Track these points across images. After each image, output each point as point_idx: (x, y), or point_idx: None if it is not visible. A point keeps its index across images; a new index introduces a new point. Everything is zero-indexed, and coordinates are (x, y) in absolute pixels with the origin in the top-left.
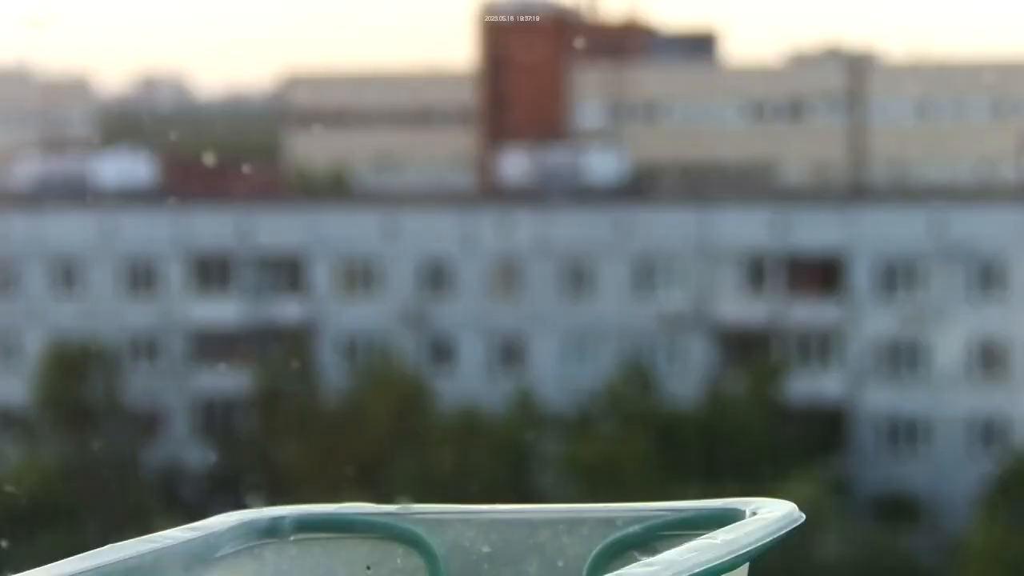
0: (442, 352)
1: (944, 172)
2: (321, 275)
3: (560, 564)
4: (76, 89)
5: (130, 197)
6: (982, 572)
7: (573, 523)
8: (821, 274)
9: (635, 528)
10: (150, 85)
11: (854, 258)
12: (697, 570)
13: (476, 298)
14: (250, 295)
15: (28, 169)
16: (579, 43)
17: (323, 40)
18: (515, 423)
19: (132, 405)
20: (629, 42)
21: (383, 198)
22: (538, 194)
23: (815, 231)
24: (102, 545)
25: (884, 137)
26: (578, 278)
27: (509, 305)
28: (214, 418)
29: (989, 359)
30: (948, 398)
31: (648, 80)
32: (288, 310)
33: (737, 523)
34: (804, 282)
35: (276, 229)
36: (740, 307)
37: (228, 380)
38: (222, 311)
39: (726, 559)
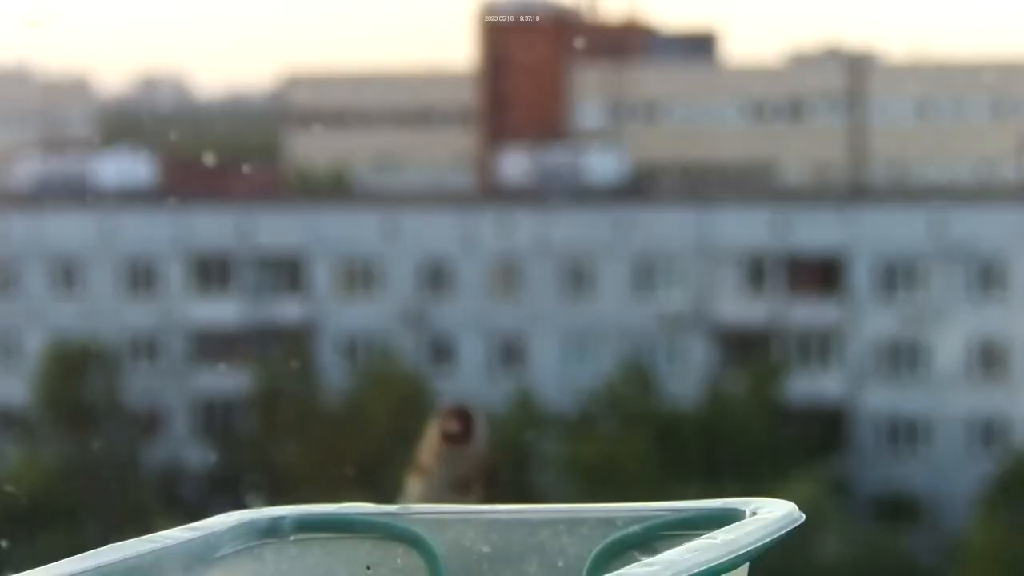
0: (442, 352)
1: (944, 172)
2: (321, 275)
3: (560, 564)
4: (76, 89)
5: (130, 197)
6: (982, 572)
7: (573, 523)
8: (821, 274)
9: (635, 528)
10: (150, 85)
11: (854, 258)
12: (697, 570)
13: (476, 298)
14: (250, 295)
15: (28, 169)
16: (579, 43)
17: (323, 40)
18: (515, 423)
19: (132, 405)
20: (629, 42)
21: (383, 198)
22: (538, 194)
23: (815, 231)
24: (102, 545)
25: (884, 137)
26: (578, 278)
27: (509, 305)
28: (214, 418)
29: (989, 359)
30: (948, 398)
31: (648, 80)
32: (288, 310)
33: (737, 523)
34: (804, 282)
35: (276, 229)
36: (740, 307)
37: (228, 380)
38: (222, 311)
39: (726, 559)
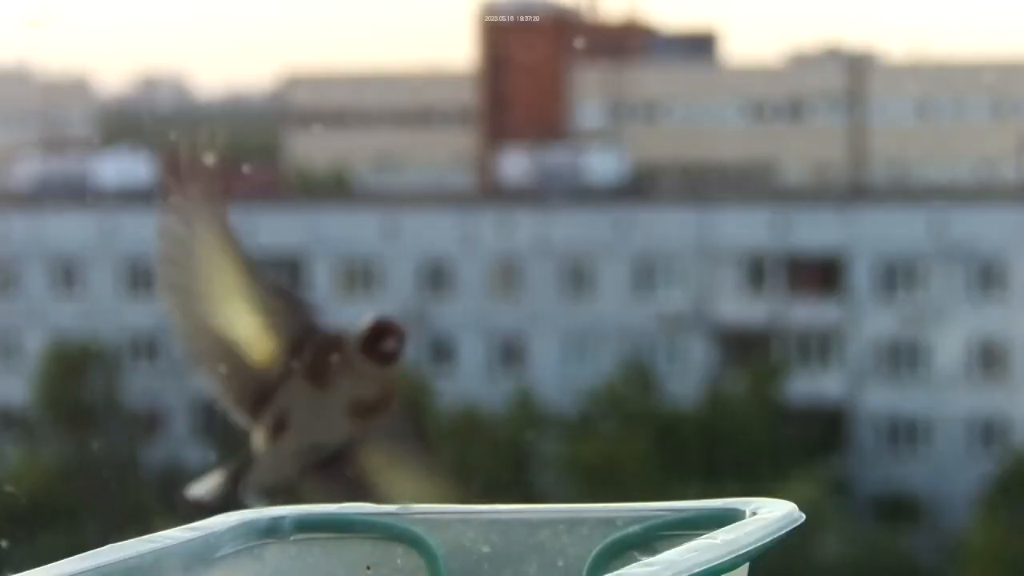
0: (442, 352)
1: (944, 172)
2: (321, 275)
3: (560, 564)
4: (76, 89)
5: (130, 197)
6: (982, 572)
7: (573, 523)
8: (821, 274)
9: (635, 528)
10: (150, 85)
11: (854, 258)
12: (697, 570)
13: (476, 298)
14: None
15: (28, 169)
16: (579, 43)
17: (323, 40)
18: (515, 423)
19: (132, 405)
20: (629, 42)
21: (383, 198)
22: (538, 194)
23: (815, 231)
24: (102, 545)
25: (884, 137)
26: (578, 278)
27: (509, 305)
28: (214, 418)
29: (989, 359)
30: (948, 398)
31: (648, 80)
32: None
33: (737, 523)
34: (804, 282)
35: (276, 229)
36: (740, 307)
37: None
38: None
39: (726, 559)
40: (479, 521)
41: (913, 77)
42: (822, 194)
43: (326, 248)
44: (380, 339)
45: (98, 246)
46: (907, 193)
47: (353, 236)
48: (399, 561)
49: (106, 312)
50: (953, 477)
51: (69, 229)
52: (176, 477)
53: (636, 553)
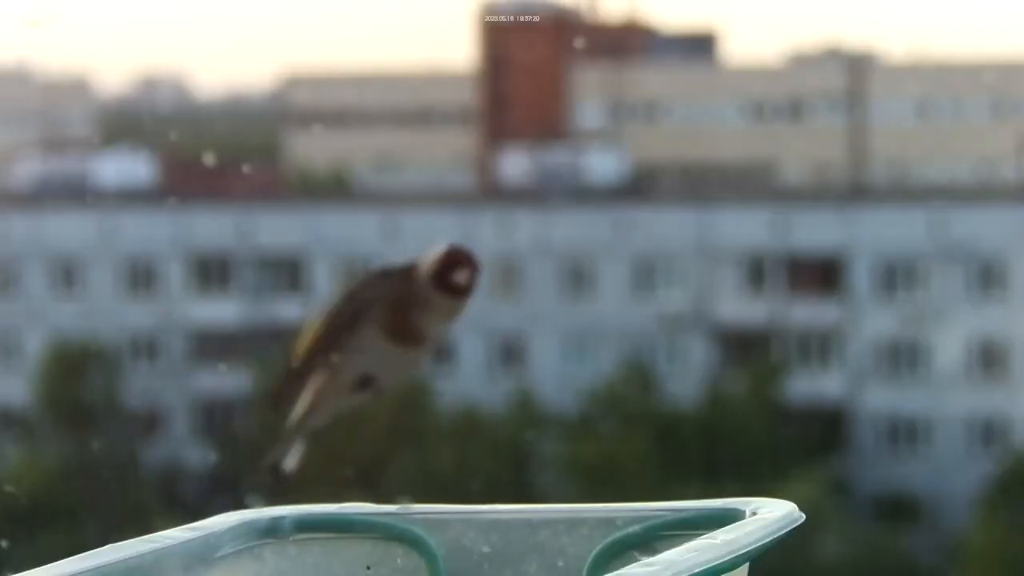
0: (442, 352)
1: (944, 172)
2: (321, 275)
3: (560, 564)
4: (76, 89)
5: (130, 197)
6: (982, 572)
7: (573, 523)
8: (821, 274)
9: (635, 528)
10: (150, 85)
11: (854, 258)
12: (697, 570)
13: (476, 298)
14: (250, 295)
15: (28, 169)
16: (579, 43)
17: (323, 40)
18: (515, 423)
19: (132, 405)
20: (629, 42)
21: (383, 198)
22: (538, 194)
23: (815, 231)
24: (102, 545)
25: (884, 137)
26: (578, 278)
27: (509, 305)
28: (214, 418)
29: (989, 359)
30: (948, 398)
31: (648, 80)
32: (288, 310)
33: (737, 523)
34: (804, 282)
35: (276, 229)
36: (740, 307)
37: (228, 380)
38: (222, 311)
39: (726, 559)
40: (479, 521)
41: (913, 77)
42: (822, 194)
43: (326, 248)
44: (451, 270)
45: (98, 246)
46: (907, 193)
47: (353, 236)
48: (399, 561)
49: (106, 312)
50: (953, 477)
51: (69, 229)
52: (176, 477)
53: (636, 553)
